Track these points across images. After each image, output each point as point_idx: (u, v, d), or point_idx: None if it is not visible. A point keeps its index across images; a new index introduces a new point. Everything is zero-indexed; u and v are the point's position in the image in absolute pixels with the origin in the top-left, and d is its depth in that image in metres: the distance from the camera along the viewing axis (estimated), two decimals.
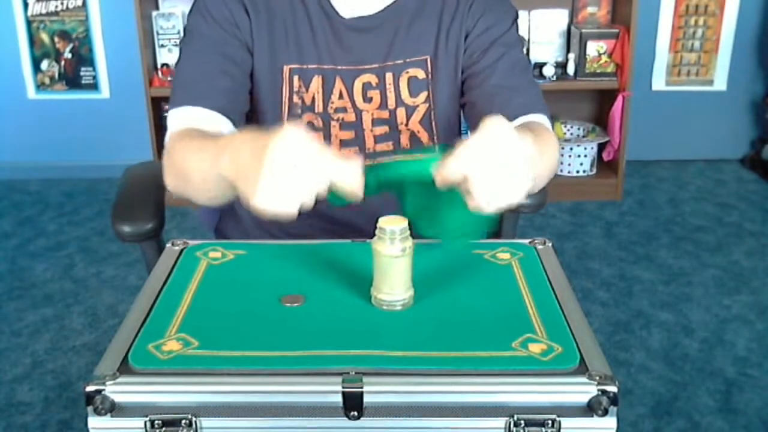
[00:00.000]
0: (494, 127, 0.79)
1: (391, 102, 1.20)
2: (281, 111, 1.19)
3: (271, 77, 1.18)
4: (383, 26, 1.19)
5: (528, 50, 3.13)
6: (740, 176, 3.40)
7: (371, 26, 1.19)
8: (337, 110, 1.19)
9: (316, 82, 1.18)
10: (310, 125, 1.19)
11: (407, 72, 1.20)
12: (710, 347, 2.18)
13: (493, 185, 0.77)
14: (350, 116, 1.20)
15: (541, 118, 1.16)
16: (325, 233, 1.20)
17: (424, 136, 1.21)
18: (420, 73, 1.20)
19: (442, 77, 1.20)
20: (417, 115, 1.21)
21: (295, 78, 1.18)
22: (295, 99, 1.19)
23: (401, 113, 1.20)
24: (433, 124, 1.21)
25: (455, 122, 1.25)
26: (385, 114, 1.20)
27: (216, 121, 1.10)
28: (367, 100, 1.20)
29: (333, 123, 1.19)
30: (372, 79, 1.19)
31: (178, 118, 1.11)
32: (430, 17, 1.20)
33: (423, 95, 1.20)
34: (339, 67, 1.18)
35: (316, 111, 1.19)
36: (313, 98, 1.19)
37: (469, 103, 1.21)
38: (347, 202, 0.82)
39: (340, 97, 1.19)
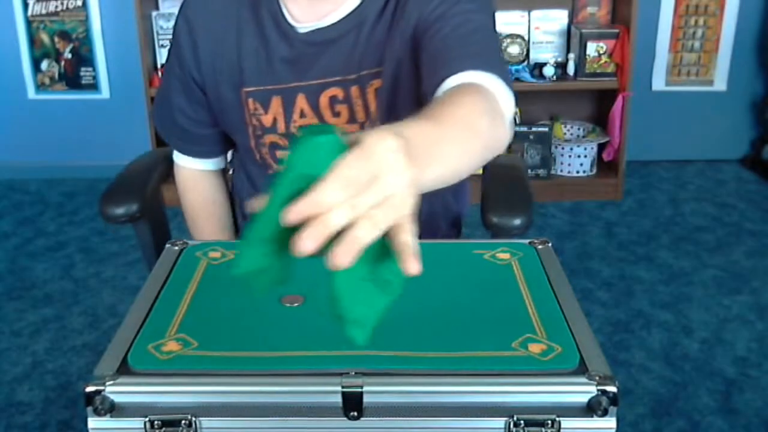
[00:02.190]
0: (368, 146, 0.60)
1: (361, 115, 1.15)
2: (248, 133, 1.20)
3: (232, 102, 1.18)
4: (343, 37, 1.12)
5: (528, 50, 3.13)
6: (740, 176, 3.40)
7: (330, 38, 1.13)
8: (301, 129, 1.15)
9: (276, 103, 1.16)
10: (274, 146, 1.18)
11: (372, 84, 1.13)
12: (710, 347, 2.18)
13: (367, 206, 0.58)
14: None
15: (477, 76, 0.93)
16: None
17: None
18: (385, 84, 1.12)
19: (405, 85, 1.11)
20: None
21: (250, 101, 1.16)
22: (254, 121, 1.17)
23: (370, 128, 1.14)
24: None
25: None
26: (354, 128, 1.14)
27: (206, 163, 1.33)
28: (335, 114, 1.15)
29: None
30: (338, 92, 1.14)
31: (176, 157, 1.34)
32: (387, 23, 1.11)
33: (388, 106, 1.13)
34: (302, 84, 1.14)
35: (279, 132, 1.17)
36: (274, 120, 1.17)
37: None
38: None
39: (302, 115, 1.16)
